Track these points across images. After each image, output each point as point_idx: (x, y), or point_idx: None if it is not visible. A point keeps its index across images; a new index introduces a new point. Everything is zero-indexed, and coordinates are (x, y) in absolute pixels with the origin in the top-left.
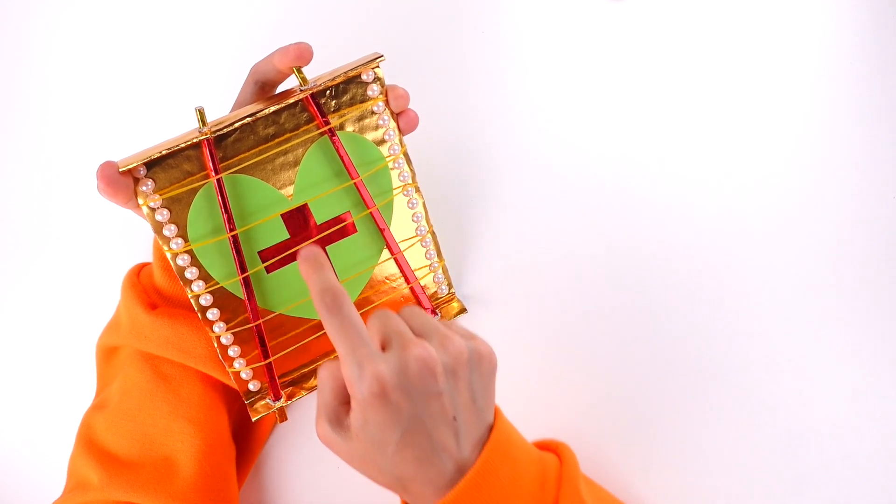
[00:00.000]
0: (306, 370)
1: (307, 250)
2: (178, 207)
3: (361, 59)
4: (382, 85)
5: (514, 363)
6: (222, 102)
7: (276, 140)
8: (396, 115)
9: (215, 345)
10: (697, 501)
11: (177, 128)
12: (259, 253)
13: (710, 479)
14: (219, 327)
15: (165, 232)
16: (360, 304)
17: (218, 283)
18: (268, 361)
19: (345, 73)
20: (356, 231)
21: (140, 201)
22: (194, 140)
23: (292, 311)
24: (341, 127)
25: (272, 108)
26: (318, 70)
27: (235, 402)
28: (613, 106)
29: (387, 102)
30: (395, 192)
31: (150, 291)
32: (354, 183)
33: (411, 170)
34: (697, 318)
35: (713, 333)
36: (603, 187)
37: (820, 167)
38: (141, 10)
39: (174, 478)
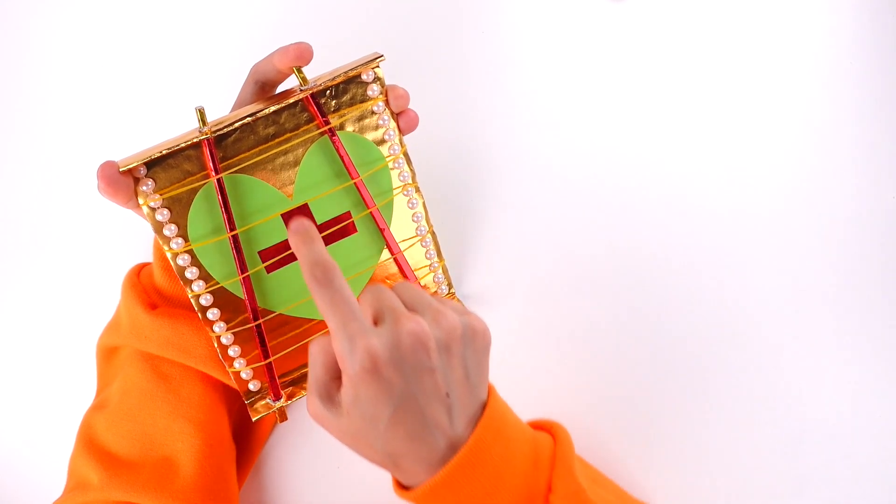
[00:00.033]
0: (307, 370)
1: (297, 223)
2: (178, 207)
3: (361, 59)
4: (382, 85)
5: (513, 363)
6: (222, 102)
7: (277, 140)
8: (396, 115)
9: (215, 345)
10: (697, 501)
11: (177, 128)
12: (259, 253)
13: (710, 479)
14: (219, 327)
15: (166, 232)
16: None
17: (218, 283)
18: (268, 361)
19: (345, 73)
20: (356, 231)
21: (140, 201)
22: (194, 140)
23: (292, 311)
24: (341, 127)
25: (272, 108)
26: (318, 70)
27: (235, 402)
28: (613, 106)
29: (387, 102)
30: (395, 192)
31: (151, 291)
32: (354, 183)
33: (411, 170)
34: (697, 317)
35: (713, 333)
36: (603, 187)
37: (820, 167)
38: (141, 10)
39: (174, 478)
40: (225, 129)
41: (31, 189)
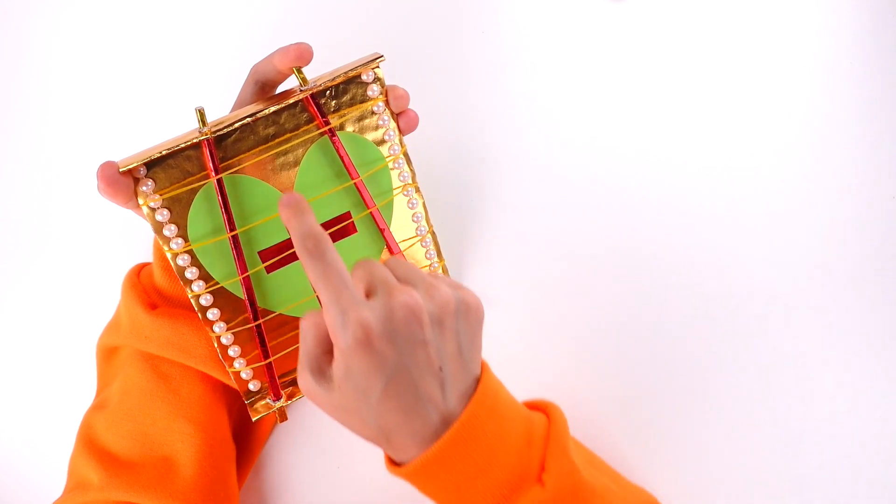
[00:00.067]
0: None
1: (287, 196)
2: (178, 207)
3: (361, 60)
4: (382, 85)
5: (513, 362)
6: (222, 102)
7: (277, 140)
8: (396, 116)
9: (215, 345)
10: (697, 501)
11: (177, 128)
12: (259, 253)
13: (710, 479)
14: (219, 327)
15: (165, 232)
16: None
17: (218, 283)
18: (268, 361)
19: (345, 73)
20: (356, 231)
21: (140, 201)
22: (194, 140)
23: (293, 311)
24: (341, 127)
25: (272, 109)
26: (319, 70)
27: (235, 402)
28: (613, 106)
29: (387, 103)
30: (395, 192)
31: (151, 291)
32: (354, 183)
33: (411, 170)
34: (697, 317)
35: (713, 333)
36: (603, 187)
37: (820, 167)
38: (141, 10)
39: (174, 478)
40: (225, 130)
41: (31, 189)
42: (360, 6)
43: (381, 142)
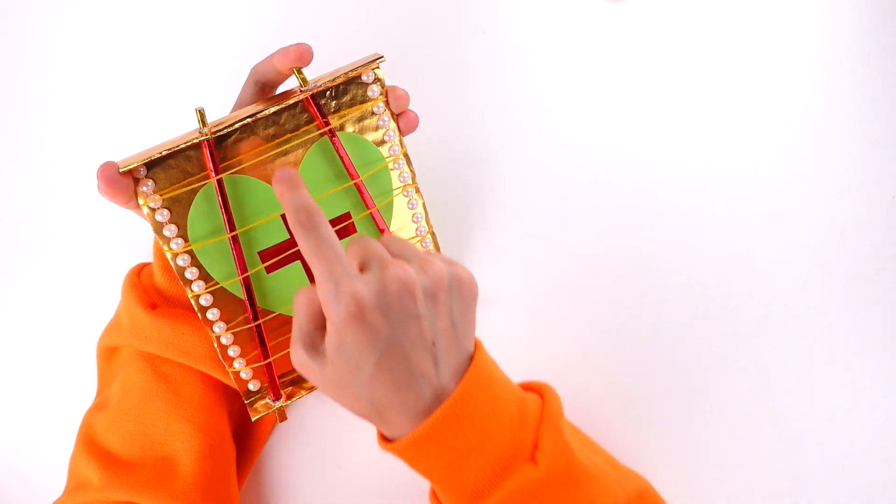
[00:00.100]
0: None
1: (281, 170)
2: (178, 208)
3: (361, 60)
4: (382, 86)
5: (513, 362)
6: (222, 103)
7: (277, 141)
8: (396, 116)
9: (215, 345)
10: (697, 500)
11: (177, 128)
12: (259, 253)
13: (710, 479)
14: (219, 327)
15: (166, 232)
16: None
17: (218, 284)
18: (268, 361)
19: (345, 73)
20: (356, 232)
21: (140, 201)
22: (194, 140)
23: (292, 312)
24: (341, 128)
25: (272, 109)
26: (319, 70)
27: (235, 402)
28: (613, 106)
29: (387, 103)
30: (395, 192)
31: (151, 291)
32: (355, 183)
33: (411, 170)
34: (697, 317)
35: (713, 333)
36: (603, 187)
37: (820, 167)
38: (141, 10)
39: (174, 478)
40: (225, 130)
41: (31, 189)
42: (360, 6)
43: (382, 142)
